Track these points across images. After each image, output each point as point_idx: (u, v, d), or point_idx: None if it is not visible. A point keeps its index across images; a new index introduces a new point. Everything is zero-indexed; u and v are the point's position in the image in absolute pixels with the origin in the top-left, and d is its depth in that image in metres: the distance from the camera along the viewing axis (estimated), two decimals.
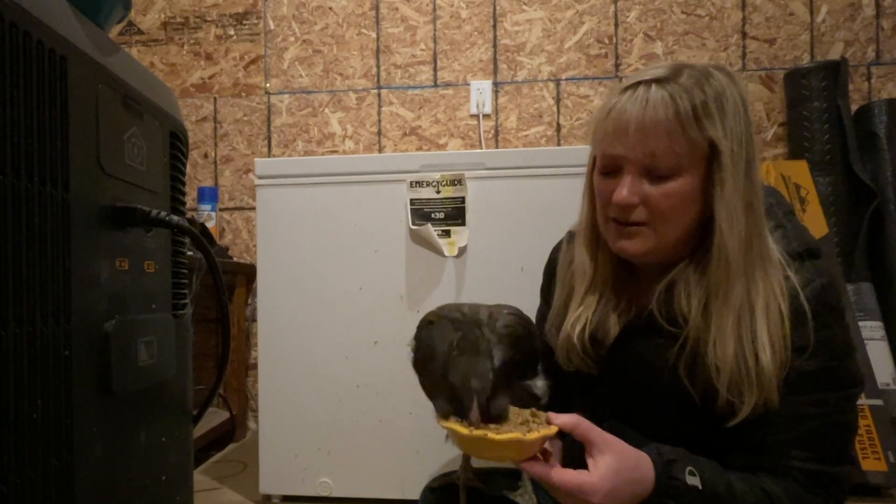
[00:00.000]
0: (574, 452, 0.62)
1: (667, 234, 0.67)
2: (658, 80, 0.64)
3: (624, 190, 0.66)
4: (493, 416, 0.63)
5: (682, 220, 0.66)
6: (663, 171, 0.64)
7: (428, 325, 0.76)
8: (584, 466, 0.57)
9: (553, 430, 0.58)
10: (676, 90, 0.63)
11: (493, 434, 0.56)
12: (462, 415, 0.62)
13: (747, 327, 0.63)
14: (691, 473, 0.59)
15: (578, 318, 0.75)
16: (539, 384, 0.79)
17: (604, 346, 0.75)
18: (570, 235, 0.84)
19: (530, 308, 0.89)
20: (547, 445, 0.61)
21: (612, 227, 0.70)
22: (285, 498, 1.39)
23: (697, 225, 0.68)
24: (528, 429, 0.59)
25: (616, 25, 2.06)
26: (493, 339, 0.69)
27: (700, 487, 0.59)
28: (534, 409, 0.65)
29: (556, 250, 0.91)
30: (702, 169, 0.64)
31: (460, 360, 0.66)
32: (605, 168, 0.70)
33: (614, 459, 0.56)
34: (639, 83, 0.66)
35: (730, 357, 0.62)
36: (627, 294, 0.76)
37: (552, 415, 0.60)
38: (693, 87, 0.63)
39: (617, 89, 0.68)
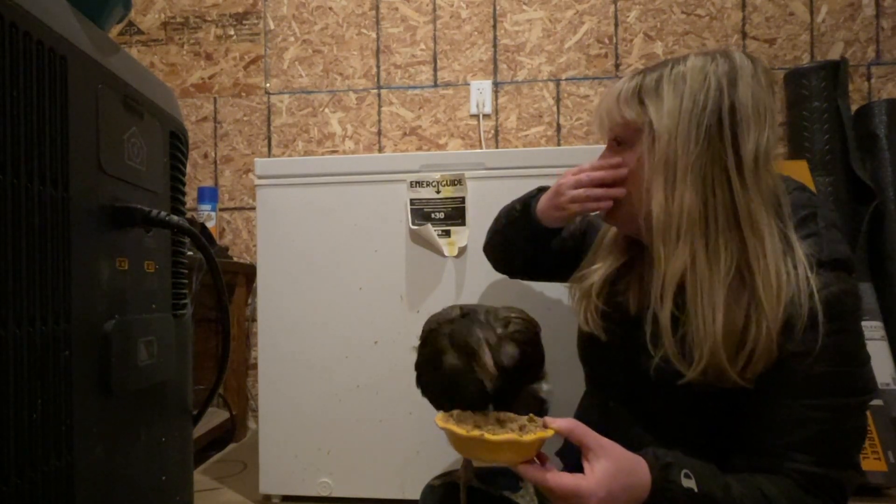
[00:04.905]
0: (571, 457, 0.62)
1: (630, 205, 0.73)
2: (644, 70, 0.72)
3: (595, 163, 0.77)
4: (506, 365, 0.68)
5: (635, 191, 0.72)
6: (615, 143, 0.74)
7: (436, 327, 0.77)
8: (581, 471, 0.57)
9: (549, 433, 0.58)
10: (641, 73, 0.71)
11: (489, 435, 0.57)
12: (471, 371, 0.67)
13: (698, 293, 0.65)
14: (687, 476, 0.59)
15: (598, 268, 0.81)
16: (545, 388, 0.79)
17: (623, 316, 0.77)
18: None
19: (531, 309, 0.89)
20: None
21: None
22: (285, 498, 1.39)
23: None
24: (524, 432, 0.59)
25: (616, 25, 2.06)
26: (497, 329, 0.73)
27: (696, 490, 0.59)
28: (531, 415, 0.65)
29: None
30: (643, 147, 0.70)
31: (462, 328, 0.72)
32: None
33: (610, 463, 0.56)
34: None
35: (663, 317, 0.67)
36: (647, 271, 0.77)
37: (549, 419, 0.60)
38: (656, 70, 0.70)
39: None
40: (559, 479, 0.56)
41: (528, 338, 0.78)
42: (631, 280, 0.78)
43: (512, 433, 0.57)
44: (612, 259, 0.81)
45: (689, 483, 0.59)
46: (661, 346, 0.68)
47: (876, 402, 1.49)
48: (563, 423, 0.59)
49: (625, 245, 0.81)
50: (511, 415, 0.66)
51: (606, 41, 2.06)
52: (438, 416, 0.64)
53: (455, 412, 0.67)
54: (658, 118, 0.67)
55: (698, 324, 0.64)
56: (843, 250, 0.67)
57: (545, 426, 0.59)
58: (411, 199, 1.32)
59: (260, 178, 1.38)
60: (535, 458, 0.59)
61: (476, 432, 0.57)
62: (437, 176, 1.32)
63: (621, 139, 0.73)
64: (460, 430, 0.58)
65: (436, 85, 2.12)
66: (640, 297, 0.76)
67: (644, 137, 0.69)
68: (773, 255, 0.64)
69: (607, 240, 0.83)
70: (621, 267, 0.80)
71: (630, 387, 0.77)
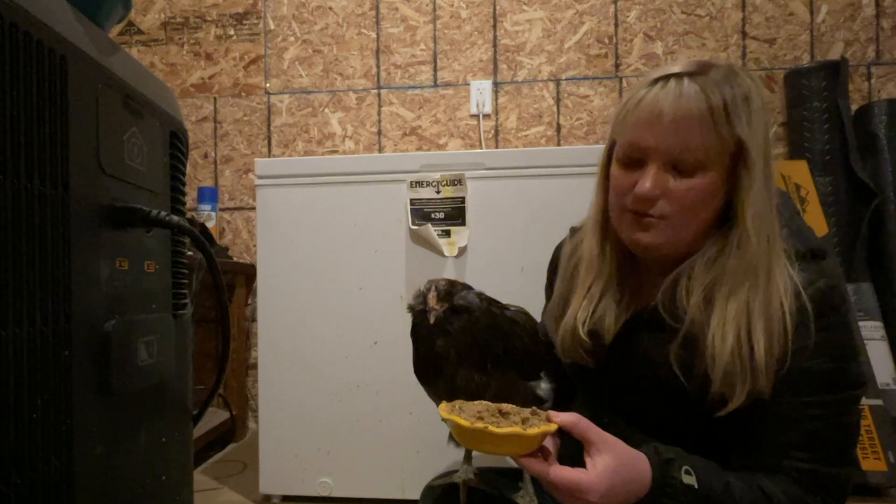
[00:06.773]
0: (572, 451, 0.62)
1: (684, 229, 0.67)
2: (689, 74, 0.64)
3: (647, 182, 0.66)
4: (458, 304, 0.72)
5: (701, 215, 0.67)
6: (690, 165, 0.64)
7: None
8: (583, 465, 0.57)
9: (552, 427, 0.58)
10: (708, 85, 0.63)
11: (493, 427, 0.57)
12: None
13: (745, 321, 0.63)
14: (687, 473, 0.59)
15: (582, 308, 0.75)
16: (543, 386, 0.79)
17: (603, 339, 0.75)
18: (573, 231, 0.85)
19: (531, 308, 0.89)
20: (548, 444, 0.61)
21: (628, 218, 0.70)
22: (285, 498, 1.39)
23: (712, 222, 0.68)
24: (528, 425, 0.59)
25: (616, 25, 2.06)
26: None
27: (696, 486, 0.59)
28: (535, 408, 0.65)
29: (558, 248, 0.91)
30: (725, 166, 0.65)
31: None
32: (628, 158, 0.69)
33: (612, 458, 0.56)
34: (669, 76, 0.65)
35: (728, 348, 0.63)
36: (630, 289, 0.76)
37: (552, 413, 0.60)
38: (723, 83, 0.63)
39: (644, 82, 0.68)
40: (561, 472, 0.56)
41: (527, 331, 0.78)
42: (607, 306, 0.75)
43: (515, 426, 0.58)
44: (610, 296, 0.75)
45: (690, 479, 0.59)
46: (697, 376, 0.65)
47: (876, 402, 1.49)
48: (566, 416, 0.59)
49: (618, 271, 0.76)
50: (514, 406, 0.66)
51: (606, 41, 2.06)
52: (442, 407, 0.64)
53: (458, 403, 0.67)
54: (752, 138, 0.63)
55: (741, 350, 0.63)
56: (814, 239, 0.68)
57: (549, 420, 0.59)
58: (411, 199, 1.32)
59: (260, 178, 1.38)
60: (538, 453, 0.59)
61: (480, 424, 0.57)
62: (437, 176, 1.32)
63: (696, 162, 0.64)
64: (464, 422, 0.58)
65: (436, 85, 2.12)
66: (616, 321, 0.74)
67: (724, 158, 0.64)
68: (779, 273, 0.64)
69: (607, 276, 0.76)
70: (610, 295, 0.76)
71: (623, 401, 0.76)
